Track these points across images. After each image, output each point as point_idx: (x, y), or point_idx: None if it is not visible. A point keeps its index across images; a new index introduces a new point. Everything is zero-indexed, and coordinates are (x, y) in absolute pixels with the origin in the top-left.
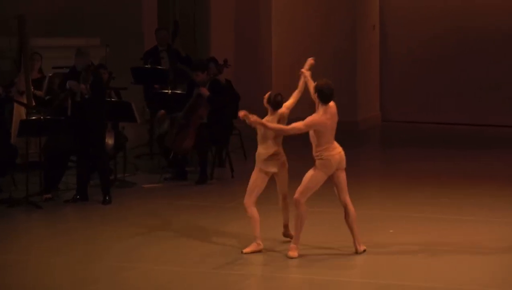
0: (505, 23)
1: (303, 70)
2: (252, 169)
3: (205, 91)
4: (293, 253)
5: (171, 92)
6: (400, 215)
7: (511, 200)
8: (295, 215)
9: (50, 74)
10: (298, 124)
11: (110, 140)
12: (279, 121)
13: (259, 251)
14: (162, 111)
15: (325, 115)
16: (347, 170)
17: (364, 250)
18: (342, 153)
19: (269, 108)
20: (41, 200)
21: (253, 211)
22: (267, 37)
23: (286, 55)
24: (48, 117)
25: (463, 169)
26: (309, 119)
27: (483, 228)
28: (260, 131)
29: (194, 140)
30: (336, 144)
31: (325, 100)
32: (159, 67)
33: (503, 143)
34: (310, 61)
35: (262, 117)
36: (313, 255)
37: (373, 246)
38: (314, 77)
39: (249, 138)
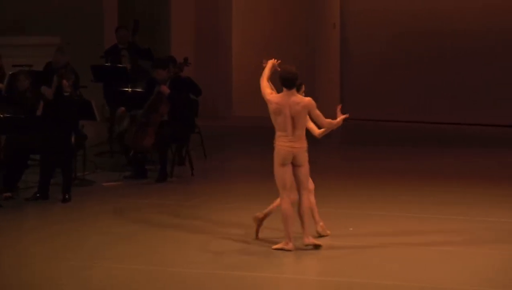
0: (462, 24)
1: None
2: (212, 168)
3: (165, 90)
4: (289, 246)
5: (131, 90)
6: (360, 213)
7: (472, 197)
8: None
9: (12, 72)
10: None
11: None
12: None
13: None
14: (122, 108)
15: (279, 98)
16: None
17: (317, 246)
18: (295, 150)
19: None
20: (1, 199)
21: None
22: (227, 35)
23: (247, 53)
24: (7, 115)
25: (423, 166)
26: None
27: (443, 225)
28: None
29: (154, 138)
30: (294, 138)
31: (283, 85)
32: (119, 65)
33: (463, 142)
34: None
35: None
36: (272, 253)
37: (333, 243)
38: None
39: (209, 137)
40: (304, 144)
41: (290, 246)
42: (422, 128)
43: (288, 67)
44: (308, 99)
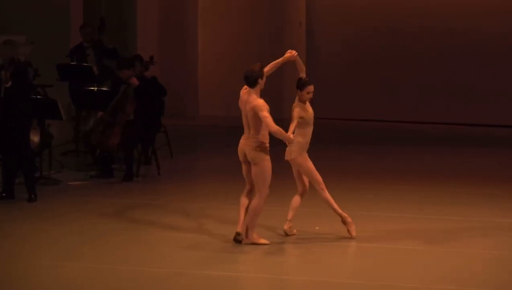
0: (428, 20)
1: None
2: (178, 167)
3: (134, 81)
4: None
5: (97, 89)
6: (325, 212)
7: (438, 196)
8: None
9: None
10: None
11: (35, 138)
12: None
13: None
14: (101, 112)
15: (242, 95)
16: (273, 167)
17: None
18: (243, 146)
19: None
20: None
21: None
22: (193, 34)
23: (212, 52)
24: None
25: (389, 165)
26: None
27: (408, 224)
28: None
29: (120, 137)
30: (246, 135)
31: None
32: (84, 64)
33: (430, 140)
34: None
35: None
36: (244, 250)
37: (299, 243)
38: (234, 73)
39: (176, 136)
40: (252, 143)
41: (262, 240)
42: (388, 127)
43: (252, 66)
44: (257, 101)
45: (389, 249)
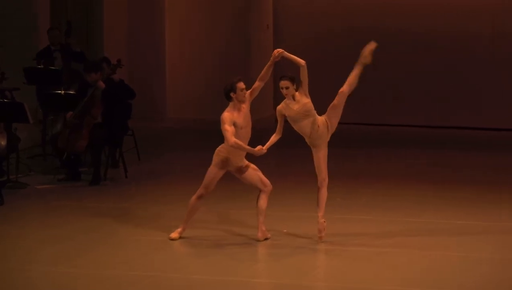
0: (398, 21)
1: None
2: (145, 170)
3: (101, 84)
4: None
5: (64, 92)
6: (293, 215)
7: (401, 199)
8: None
9: None
10: None
11: (2, 141)
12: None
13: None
14: (70, 112)
15: None
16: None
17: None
18: None
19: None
20: None
21: None
22: (161, 36)
23: (180, 54)
24: None
25: (355, 168)
26: None
27: (379, 226)
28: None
29: (87, 140)
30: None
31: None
32: (52, 67)
33: (394, 143)
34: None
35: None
36: (207, 254)
37: (267, 246)
38: (203, 75)
39: (143, 139)
40: (220, 146)
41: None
42: (356, 129)
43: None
44: (222, 114)
45: (359, 251)
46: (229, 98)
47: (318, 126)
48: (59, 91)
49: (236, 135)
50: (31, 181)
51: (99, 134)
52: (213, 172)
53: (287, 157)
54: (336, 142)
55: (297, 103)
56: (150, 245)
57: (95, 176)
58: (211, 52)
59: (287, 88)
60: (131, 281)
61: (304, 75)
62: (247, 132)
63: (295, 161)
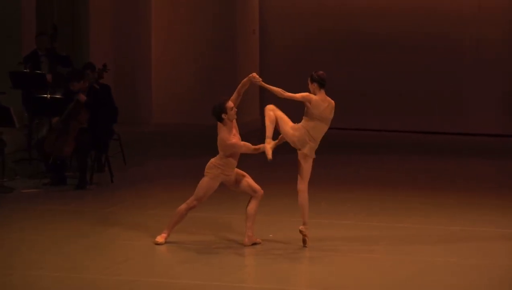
0: (383, 24)
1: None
2: (131, 174)
3: (82, 97)
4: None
5: (50, 97)
6: (278, 219)
7: (386, 204)
8: None
9: None
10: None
11: None
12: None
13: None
14: (56, 118)
15: None
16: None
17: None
18: None
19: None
20: None
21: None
22: (147, 41)
23: (166, 59)
24: None
25: (339, 174)
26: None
27: (363, 231)
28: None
29: (73, 145)
30: None
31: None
32: (38, 72)
33: (379, 148)
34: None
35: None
36: (190, 259)
37: (253, 251)
38: (189, 80)
39: (129, 144)
40: (215, 158)
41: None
42: (342, 134)
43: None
44: (220, 136)
45: (343, 256)
46: (221, 120)
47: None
48: (45, 95)
49: (231, 151)
50: (16, 185)
51: (85, 139)
52: (207, 185)
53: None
54: (320, 148)
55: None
56: (135, 250)
57: (80, 180)
58: (197, 57)
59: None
60: (114, 286)
61: (291, 97)
62: (238, 148)
63: (280, 166)
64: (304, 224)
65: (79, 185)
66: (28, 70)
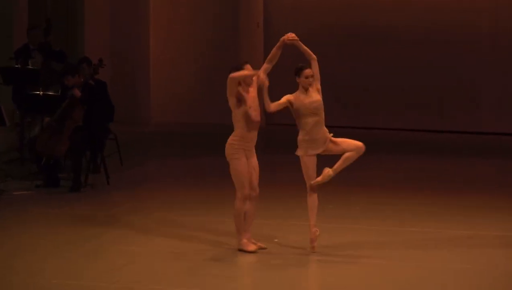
0: (385, 19)
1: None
2: (128, 176)
3: (76, 92)
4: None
5: (43, 94)
6: (284, 224)
7: (397, 208)
8: None
9: None
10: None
11: None
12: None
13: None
14: (47, 118)
15: None
16: (225, 176)
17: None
18: None
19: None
20: None
21: None
22: (145, 35)
23: (165, 55)
24: None
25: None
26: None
27: (366, 237)
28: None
29: (67, 145)
30: None
31: None
32: (30, 67)
33: (387, 148)
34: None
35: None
36: (199, 266)
37: (257, 257)
38: (189, 77)
39: (126, 143)
40: (229, 139)
41: (251, 247)
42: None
43: None
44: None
45: (351, 262)
46: None
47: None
48: (37, 92)
49: (243, 118)
50: (8, 187)
51: (80, 138)
52: (237, 169)
53: (277, 163)
54: None
55: (309, 97)
56: (134, 255)
57: (75, 182)
58: (198, 52)
59: (312, 76)
60: None
61: (316, 69)
62: (256, 116)
63: (285, 167)
64: (313, 226)
65: (73, 187)
66: (19, 66)
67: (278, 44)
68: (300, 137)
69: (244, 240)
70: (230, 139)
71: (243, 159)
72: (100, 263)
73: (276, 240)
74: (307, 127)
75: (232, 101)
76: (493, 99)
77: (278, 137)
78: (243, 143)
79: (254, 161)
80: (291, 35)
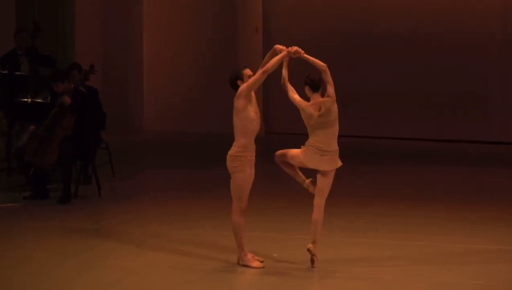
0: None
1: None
2: (120, 187)
3: (66, 99)
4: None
5: (31, 101)
6: (284, 238)
7: (404, 220)
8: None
9: None
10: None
11: None
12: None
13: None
14: (32, 126)
15: None
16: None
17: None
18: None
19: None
20: None
21: None
22: (139, 40)
23: (159, 60)
24: None
25: (351, 185)
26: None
27: (370, 252)
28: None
29: (56, 154)
30: None
31: None
32: (17, 73)
33: (393, 157)
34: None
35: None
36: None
37: (255, 272)
38: (184, 84)
39: (118, 153)
40: (231, 150)
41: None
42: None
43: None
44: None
45: (354, 279)
46: (236, 88)
47: None
48: (26, 99)
49: (249, 122)
50: None
51: (70, 147)
52: (244, 179)
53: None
54: None
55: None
56: (125, 270)
57: (65, 193)
58: (194, 57)
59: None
60: None
61: (329, 79)
62: (258, 123)
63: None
64: (314, 242)
65: (63, 198)
66: (6, 72)
67: (282, 56)
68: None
69: (249, 255)
70: (234, 151)
71: (247, 171)
72: (91, 278)
73: (275, 255)
74: (316, 135)
75: (242, 103)
76: (504, 108)
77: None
78: (248, 154)
79: (253, 172)
80: (295, 49)
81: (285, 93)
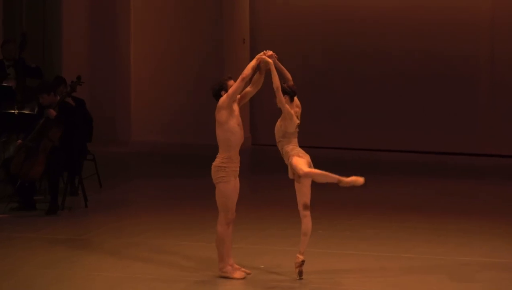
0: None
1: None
2: (107, 198)
3: (51, 113)
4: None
5: (18, 112)
6: (270, 248)
7: (390, 232)
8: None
9: None
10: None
11: None
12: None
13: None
14: (19, 141)
15: None
16: (208, 198)
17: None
18: None
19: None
20: None
21: None
22: (126, 51)
23: (146, 71)
24: None
25: (337, 197)
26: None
27: (356, 263)
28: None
29: (44, 166)
30: None
31: None
32: (4, 84)
33: (381, 169)
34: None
35: None
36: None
37: (242, 284)
38: (171, 94)
39: (105, 164)
40: (215, 161)
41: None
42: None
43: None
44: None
45: None
46: (219, 99)
47: None
48: (13, 111)
49: (232, 134)
50: None
51: (57, 159)
52: (229, 190)
53: (263, 183)
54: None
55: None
56: (109, 281)
57: (52, 204)
58: (181, 68)
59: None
60: None
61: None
62: (241, 135)
63: (271, 188)
64: (301, 253)
65: (50, 209)
66: None
67: (256, 58)
68: None
69: (229, 267)
70: (218, 162)
71: (232, 182)
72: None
73: (262, 266)
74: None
75: (224, 115)
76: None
77: (263, 158)
78: (232, 165)
79: (238, 183)
80: (269, 53)
81: (274, 105)
